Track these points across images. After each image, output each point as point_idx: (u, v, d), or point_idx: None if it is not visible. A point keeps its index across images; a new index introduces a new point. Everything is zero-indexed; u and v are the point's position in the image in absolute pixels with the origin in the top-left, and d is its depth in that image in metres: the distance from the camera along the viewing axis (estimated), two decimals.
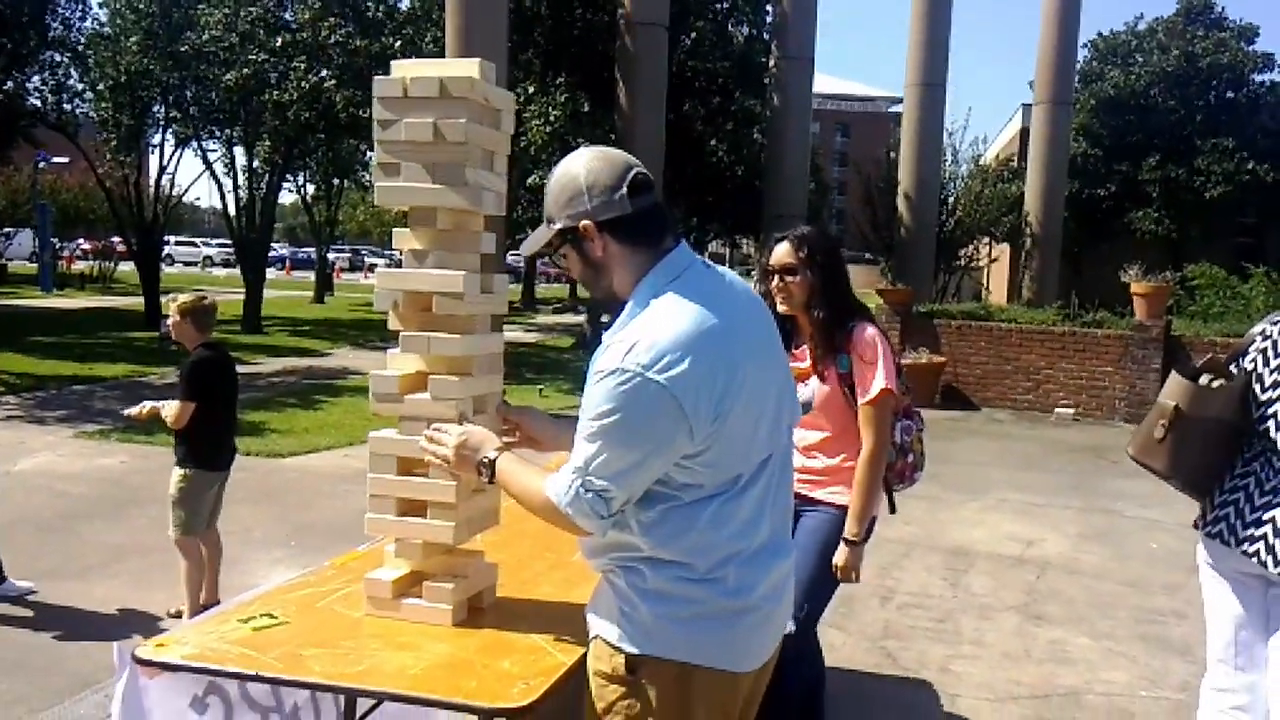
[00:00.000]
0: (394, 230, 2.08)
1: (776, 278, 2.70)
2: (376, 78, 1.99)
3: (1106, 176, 23.19)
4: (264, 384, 11.22)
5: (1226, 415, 2.34)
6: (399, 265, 2.06)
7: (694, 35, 17.56)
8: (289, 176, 21.54)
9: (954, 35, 16.35)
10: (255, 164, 17.77)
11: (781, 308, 2.71)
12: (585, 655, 1.71)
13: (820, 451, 2.74)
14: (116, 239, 24.95)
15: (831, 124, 69.83)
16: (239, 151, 18.03)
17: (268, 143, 17.30)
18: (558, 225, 1.65)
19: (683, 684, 1.57)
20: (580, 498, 1.54)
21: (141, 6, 16.00)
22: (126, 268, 25.36)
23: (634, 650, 1.58)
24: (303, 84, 15.35)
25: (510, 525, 2.29)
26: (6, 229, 29.28)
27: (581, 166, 1.63)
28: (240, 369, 4.47)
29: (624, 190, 1.61)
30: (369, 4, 15.89)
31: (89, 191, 26.51)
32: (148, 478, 6.43)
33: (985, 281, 24.43)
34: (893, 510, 2.85)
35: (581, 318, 21.07)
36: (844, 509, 2.68)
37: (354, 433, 8.44)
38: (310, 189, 27.73)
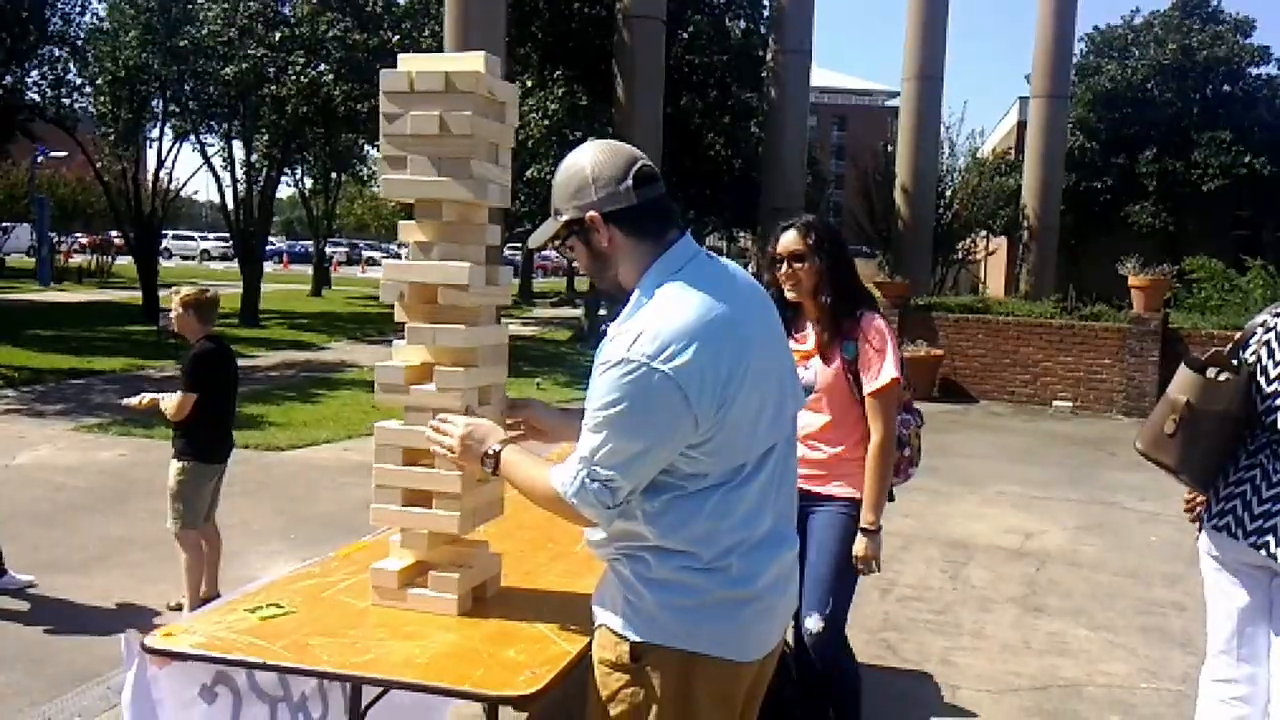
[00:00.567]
0: (400, 223, 2.08)
1: (785, 264, 2.72)
2: (383, 71, 1.99)
3: (1103, 170, 23.23)
4: (262, 377, 11.22)
5: (1234, 409, 2.34)
6: (397, 258, 2.07)
7: (692, 29, 17.53)
8: (287, 170, 21.52)
9: (951, 28, 16.33)
10: (253, 158, 17.75)
11: (790, 294, 2.73)
12: (590, 644, 1.72)
13: (821, 441, 2.74)
14: (114, 233, 24.95)
15: (828, 117, 69.76)
16: (237, 146, 18.04)
17: (266, 137, 17.27)
18: (564, 217, 1.67)
19: (686, 672, 1.59)
20: (586, 488, 1.55)
21: (140, 1, 15.95)
22: (124, 262, 25.33)
23: (638, 638, 1.60)
24: (301, 78, 15.32)
25: (512, 516, 2.30)
26: (4, 223, 29.26)
27: (588, 159, 1.65)
28: (238, 362, 4.47)
29: (629, 182, 1.62)
30: None
31: (87, 186, 26.49)
32: (147, 471, 6.44)
33: (982, 275, 24.48)
34: (890, 499, 2.87)
35: (579, 311, 21.08)
36: (851, 501, 2.69)
37: (352, 426, 8.45)
38: (308, 183, 27.73)
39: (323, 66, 15.64)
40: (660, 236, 1.65)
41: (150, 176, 17.39)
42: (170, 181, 17.98)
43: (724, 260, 1.73)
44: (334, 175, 27.29)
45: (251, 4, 15.63)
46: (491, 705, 1.68)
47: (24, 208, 28.11)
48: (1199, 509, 2.51)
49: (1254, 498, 2.32)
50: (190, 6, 15.87)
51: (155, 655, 1.77)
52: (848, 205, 28.77)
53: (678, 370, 1.49)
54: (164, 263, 23.19)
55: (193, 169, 50.32)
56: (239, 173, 17.73)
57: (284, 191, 30.12)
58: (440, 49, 11.94)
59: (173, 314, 4.13)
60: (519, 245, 26.22)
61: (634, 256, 1.64)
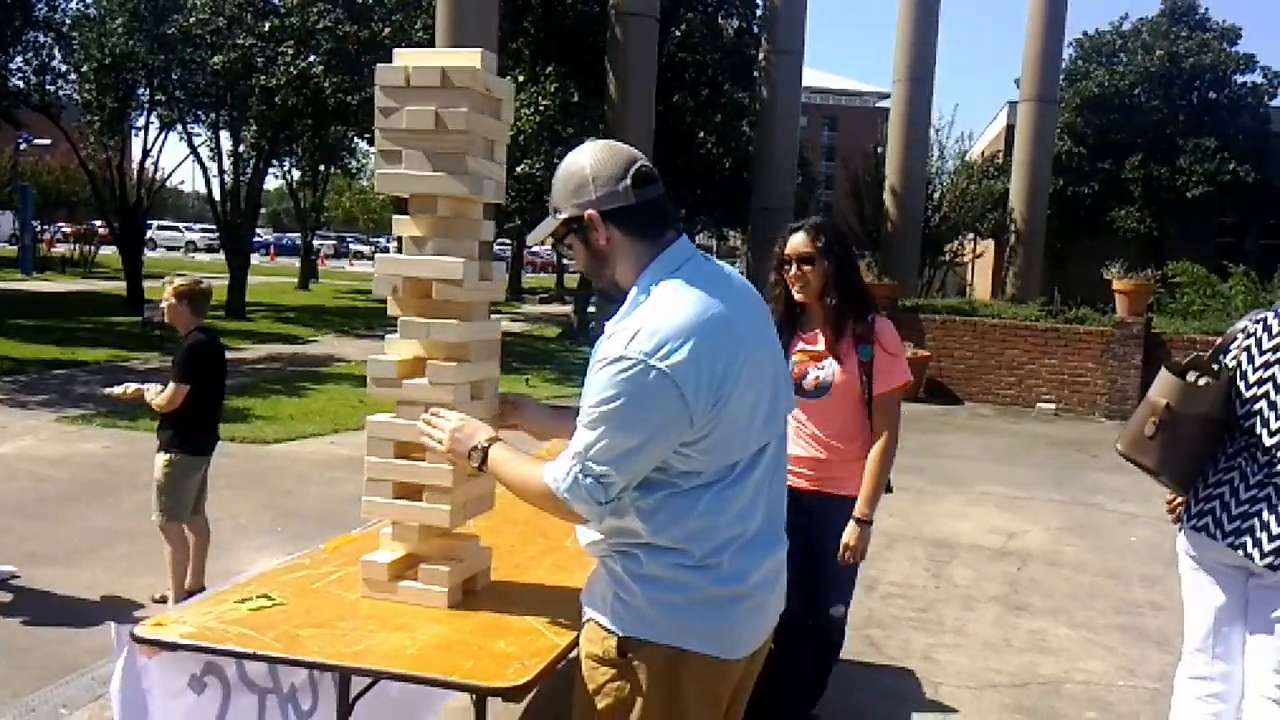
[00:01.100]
0: (394, 217, 2.10)
1: (794, 266, 2.78)
2: (379, 65, 2.00)
3: (1090, 174, 23.39)
4: (248, 370, 11.16)
5: (1213, 412, 2.39)
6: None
7: (684, 27, 17.54)
8: (275, 162, 21.38)
9: (942, 31, 16.40)
10: (241, 149, 17.62)
11: (798, 295, 2.80)
12: (578, 638, 1.74)
13: (835, 439, 2.84)
14: (98, 222, 24.71)
15: (819, 118, 69.90)
16: (224, 136, 17.88)
17: (254, 128, 17.15)
18: (563, 214, 1.69)
19: (673, 668, 1.60)
20: (579, 484, 1.56)
21: None
22: (108, 252, 25.13)
23: (626, 633, 1.61)
24: (290, 69, 15.22)
25: (502, 511, 2.32)
26: None
27: (588, 158, 1.67)
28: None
29: (628, 182, 1.65)
30: None
31: (71, 174, 26.19)
32: (131, 463, 6.40)
33: (969, 277, 24.62)
34: (889, 490, 2.97)
35: (568, 308, 21.07)
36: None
37: (339, 420, 8.43)
38: (296, 175, 27.54)
39: (313, 58, 15.53)
40: (658, 236, 1.67)
41: (136, 166, 17.25)
42: (156, 171, 17.85)
43: (719, 262, 1.75)
44: (322, 168, 27.12)
45: None
46: (480, 696, 1.69)
47: (7, 196, 27.82)
48: (1180, 510, 2.56)
49: (1232, 499, 2.37)
50: None
51: (145, 645, 1.78)
52: (837, 206, 28.89)
53: (674, 368, 1.51)
54: (149, 253, 22.98)
55: (179, 159, 49.85)
56: (226, 163, 17.62)
57: (271, 183, 29.95)
58: (432, 42, 11.90)
59: (164, 305, 4.10)
60: (508, 241, 26.15)
61: (631, 255, 1.66)
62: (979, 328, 11.86)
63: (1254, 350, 2.38)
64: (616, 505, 1.58)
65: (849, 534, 2.79)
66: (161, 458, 4.05)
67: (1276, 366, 2.32)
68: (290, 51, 15.29)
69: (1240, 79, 24.26)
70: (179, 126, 17.54)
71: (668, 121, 15.79)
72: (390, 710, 2.38)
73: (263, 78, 15.46)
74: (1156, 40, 24.01)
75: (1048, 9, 16.90)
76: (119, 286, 18.23)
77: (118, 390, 4.06)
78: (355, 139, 23.20)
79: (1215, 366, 2.45)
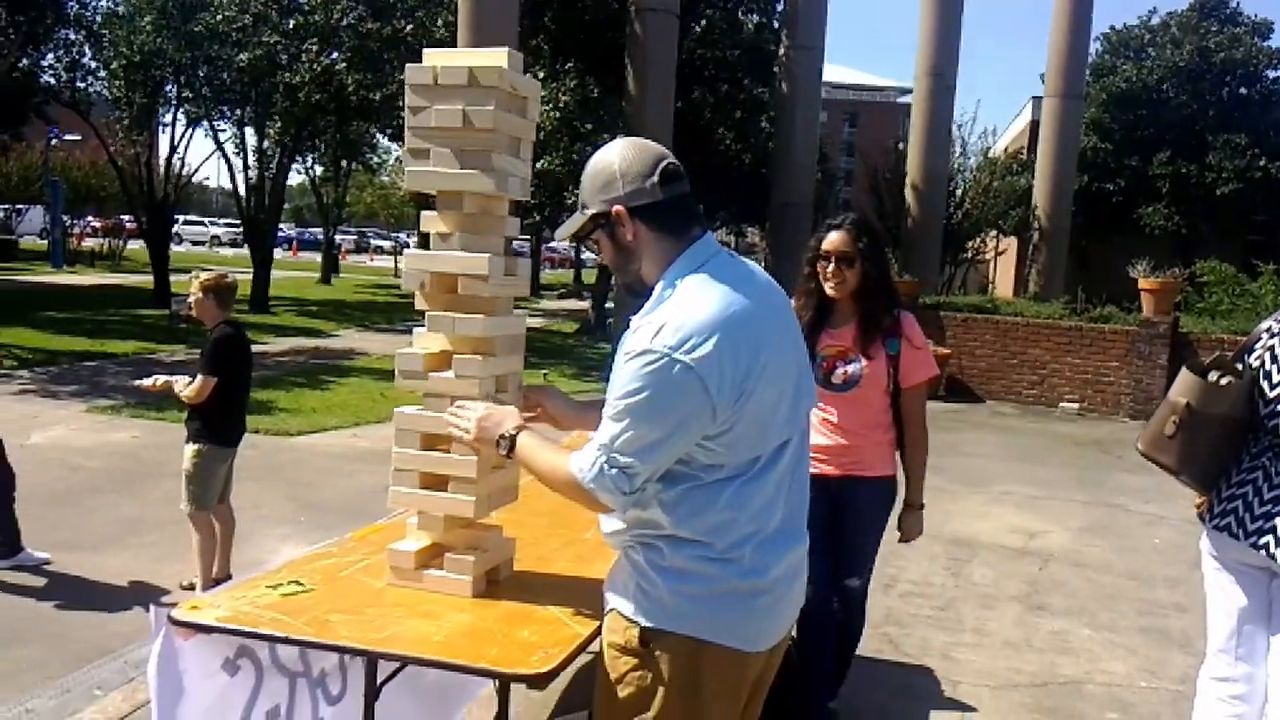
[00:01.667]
0: (422, 213, 2.13)
1: (832, 264, 2.82)
2: (409, 66, 2.04)
3: (1116, 171, 23.10)
4: (272, 363, 11.29)
5: (1235, 412, 2.38)
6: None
7: (704, 23, 17.50)
8: (298, 157, 21.55)
9: (965, 26, 16.25)
10: (265, 145, 17.80)
11: (832, 292, 2.85)
12: (601, 627, 1.77)
13: (862, 428, 2.92)
14: (127, 217, 25.05)
15: (839, 113, 69.53)
16: (249, 132, 18.07)
17: (278, 124, 17.31)
18: (591, 210, 1.72)
19: (694, 659, 1.63)
20: (604, 474, 1.59)
21: None
22: (136, 246, 25.45)
23: (648, 624, 1.64)
24: (314, 66, 15.36)
25: (526, 503, 2.35)
26: (19, 205, 29.40)
27: (616, 155, 1.70)
28: None
29: (655, 178, 1.68)
30: None
31: (100, 169, 26.54)
32: (160, 453, 6.51)
33: (991, 275, 24.42)
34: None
35: (586, 303, 21.11)
36: (889, 479, 2.97)
37: (361, 413, 8.52)
38: (319, 170, 27.76)
39: (336, 55, 15.67)
40: (684, 233, 1.70)
41: (163, 162, 17.47)
42: (183, 167, 18.05)
43: (743, 259, 1.78)
44: (344, 163, 27.33)
45: None
46: (504, 683, 1.73)
47: (38, 190, 28.24)
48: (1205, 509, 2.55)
49: (1255, 499, 2.36)
50: None
51: (181, 627, 1.83)
52: (857, 202, 28.71)
53: (699, 361, 1.54)
54: (175, 248, 23.25)
55: (205, 154, 50.27)
56: (251, 159, 17.81)
57: (294, 179, 30.13)
58: (453, 39, 11.96)
59: (192, 299, 4.18)
60: (527, 236, 26.25)
61: (657, 251, 1.69)
62: (1001, 326, 11.77)
63: (1278, 350, 2.36)
64: (640, 496, 1.61)
65: (908, 520, 3.00)
66: (190, 448, 4.13)
67: None
68: (314, 48, 15.44)
69: (1272, 74, 23.86)
70: (205, 123, 17.75)
71: (687, 117, 15.78)
72: (415, 709, 2.43)
73: (287, 75, 15.62)
74: (1186, 35, 23.66)
75: (1073, 3, 16.70)
76: (146, 280, 18.48)
77: (147, 382, 4.14)
78: (377, 135, 23.35)
79: (1239, 366, 2.44)
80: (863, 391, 2.87)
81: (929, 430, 3.04)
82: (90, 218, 34.77)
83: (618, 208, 1.68)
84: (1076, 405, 11.24)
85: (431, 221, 2.10)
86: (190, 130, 18.00)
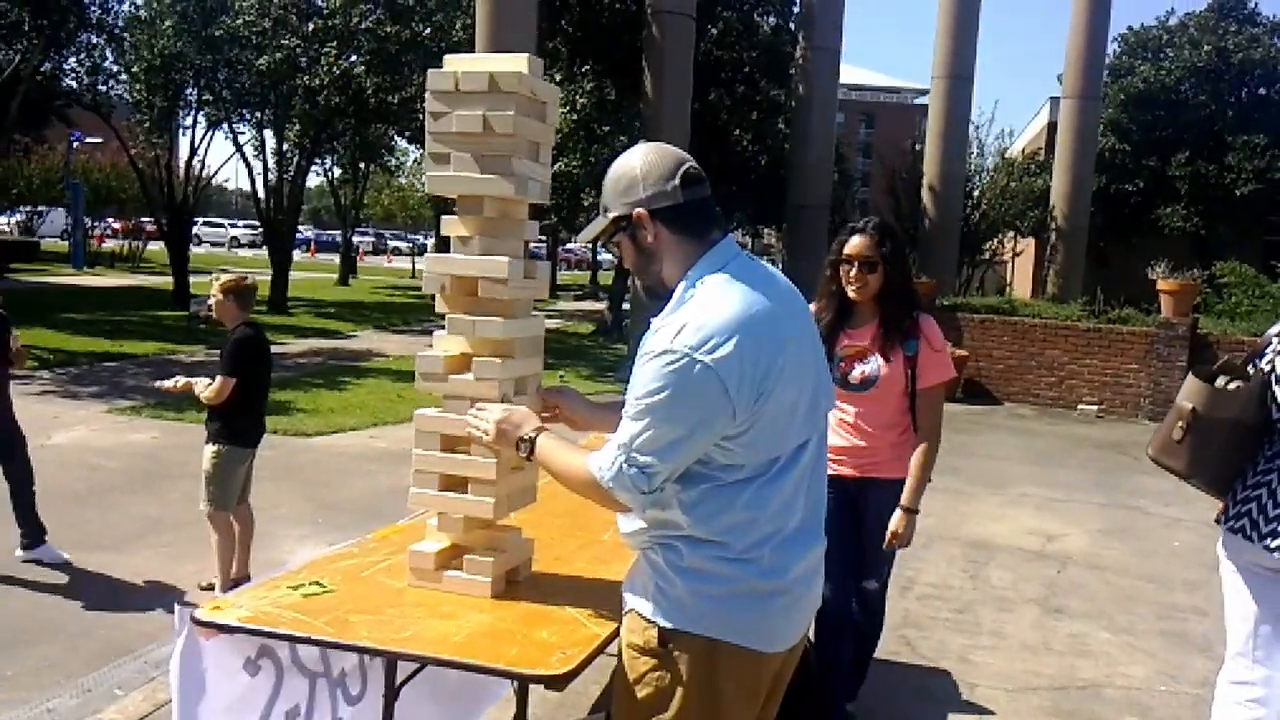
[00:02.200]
0: (442, 217, 2.15)
1: (855, 267, 2.84)
2: (430, 71, 2.06)
3: (1135, 172, 22.89)
4: (290, 364, 11.38)
5: (1245, 416, 2.37)
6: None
7: (721, 25, 17.49)
8: (317, 160, 21.72)
9: (982, 27, 16.16)
10: (284, 147, 17.94)
11: (854, 295, 2.87)
12: (619, 629, 1.78)
13: (880, 429, 2.92)
14: (147, 219, 25.29)
15: (856, 115, 69.33)
16: (269, 135, 18.23)
17: (297, 126, 17.45)
18: (613, 213, 1.74)
19: (712, 659, 1.63)
20: (624, 473, 1.60)
21: None
22: (156, 247, 25.70)
23: (667, 624, 1.65)
24: (333, 69, 15.48)
25: (544, 504, 2.37)
26: (40, 207, 29.74)
27: (638, 159, 1.72)
28: None
29: (676, 182, 1.69)
30: None
31: (121, 171, 26.80)
32: (179, 453, 6.57)
33: (1009, 276, 24.26)
34: (929, 479, 3.02)
35: (603, 305, 21.14)
36: (905, 481, 2.91)
37: (378, 414, 8.57)
38: (337, 172, 27.96)
39: (354, 58, 15.79)
40: (704, 235, 1.71)
41: (183, 164, 17.65)
42: (203, 169, 18.23)
43: (763, 261, 1.79)
44: (362, 166, 27.50)
45: None
46: (525, 683, 1.74)
47: (59, 192, 28.54)
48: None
49: (1269, 501, 2.34)
50: None
51: (203, 627, 1.85)
52: (874, 203, 28.60)
53: (719, 362, 1.55)
54: (194, 249, 23.46)
55: (224, 157, 50.69)
56: (270, 161, 17.95)
57: (312, 181, 30.35)
58: (471, 42, 12.02)
59: (212, 300, 4.22)
60: (544, 239, 26.33)
61: (678, 253, 1.71)
62: (1019, 327, 11.70)
63: None
64: (659, 496, 1.62)
65: (896, 521, 2.88)
66: (210, 449, 4.16)
67: None
68: (333, 52, 15.55)
69: None
70: (225, 125, 17.92)
71: (704, 119, 15.77)
72: (435, 712, 2.44)
73: (306, 78, 15.74)
74: (1204, 35, 23.42)
75: (1091, 4, 16.59)
76: (166, 281, 18.65)
77: (168, 383, 4.17)
78: (395, 137, 23.49)
79: (1249, 370, 2.42)
80: (880, 392, 2.88)
81: (943, 434, 3.02)
82: (110, 220, 35.16)
83: (639, 210, 1.69)
84: (1095, 407, 11.16)
85: (452, 225, 2.12)
86: (210, 133, 18.20)
